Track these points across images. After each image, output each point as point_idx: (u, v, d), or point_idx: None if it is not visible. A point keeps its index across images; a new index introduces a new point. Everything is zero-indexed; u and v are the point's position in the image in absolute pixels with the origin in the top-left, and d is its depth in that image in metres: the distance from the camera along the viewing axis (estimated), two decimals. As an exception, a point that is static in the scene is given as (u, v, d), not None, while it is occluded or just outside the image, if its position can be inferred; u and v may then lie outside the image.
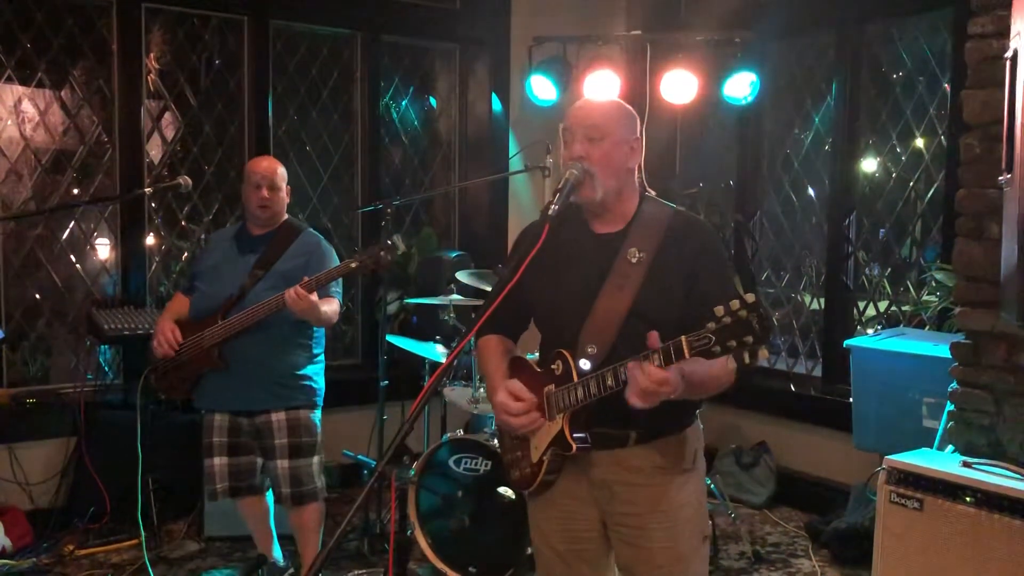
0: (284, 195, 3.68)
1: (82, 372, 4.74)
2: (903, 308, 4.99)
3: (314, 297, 3.35)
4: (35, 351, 4.84)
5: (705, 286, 2.21)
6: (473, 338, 2.55)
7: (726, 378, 2.18)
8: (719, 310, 1.90)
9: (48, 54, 4.69)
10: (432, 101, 5.93)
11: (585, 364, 2.22)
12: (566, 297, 2.32)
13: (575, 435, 2.24)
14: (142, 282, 4.86)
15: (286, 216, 3.74)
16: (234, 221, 5.19)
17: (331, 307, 3.55)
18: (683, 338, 1.96)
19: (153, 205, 4.97)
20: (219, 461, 3.62)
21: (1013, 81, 1.77)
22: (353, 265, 3.34)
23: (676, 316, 2.14)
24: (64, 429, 4.51)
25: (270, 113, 5.14)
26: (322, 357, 3.74)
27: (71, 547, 4.18)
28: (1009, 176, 1.77)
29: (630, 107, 2.37)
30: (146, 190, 3.59)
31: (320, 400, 3.71)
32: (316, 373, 3.69)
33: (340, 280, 3.61)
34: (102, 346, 4.76)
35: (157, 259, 5.05)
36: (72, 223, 4.82)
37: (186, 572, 4.10)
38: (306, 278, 3.35)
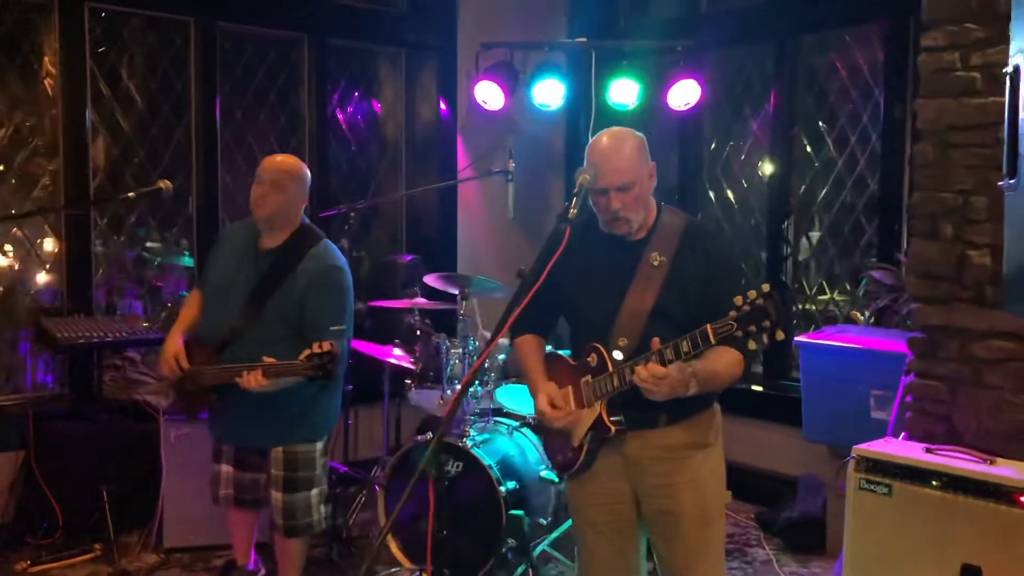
0: (292, 198, 3.36)
1: (26, 382, 4.57)
2: (840, 306, 5.23)
3: (269, 383, 3.11)
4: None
5: (719, 287, 2.47)
6: (509, 337, 2.85)
7: (736, 367, 2.47)
8: (738, 299, 2.17)
9: (-13, 55, 4.53)
10: (378, 105, 5.92)
11: (618, 355, 2.47)
12: (597, 296, 2.58)
13: (612, 418, 2.51)
14: (87, 290, 4.71)
15: (300, 224, 3.44)
16: (182, 225, 5.10)
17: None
18: (708, 326, 2.23)
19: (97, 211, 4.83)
20: (227, 468, 3.54)
21: (1015, 94, 1.94)
22: (302, 370, 3.06)
23: (695, 312, 2.39)
24: (11, 442, 4.35)
25: (217, 116, 5.07)
26: (340, 380, 3.54)
27: (25, 564, 4.03)
28: (1012, 181, 1.95)
29: (641, 135, 2.59)
30: (129, 195, 3.47)
31: (325, 427, 3.53)
32: (327, 401, 3.50)
33: (351, 312, 3.43)
34: (43, 356, 4.62)
35: (101, 266, 4.91)
36: (14, 229, 4.64)
37: (148, 585, 4.02)
38: (265, 359, 3.11)
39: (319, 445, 3.51)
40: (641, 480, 2.61)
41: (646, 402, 2.40)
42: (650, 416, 2.53)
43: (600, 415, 2.52)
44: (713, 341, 2.24)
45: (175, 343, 3.44)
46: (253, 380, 3.11)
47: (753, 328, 2.16)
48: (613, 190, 2.48)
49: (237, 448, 3.54)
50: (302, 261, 3.36)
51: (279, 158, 3.45)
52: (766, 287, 2.17)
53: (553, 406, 2.57)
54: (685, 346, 2.28)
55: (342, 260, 3.45)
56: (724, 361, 2.44)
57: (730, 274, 2.62)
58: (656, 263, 2.51)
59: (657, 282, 2.50)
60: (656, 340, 2.34)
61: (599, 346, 2.52)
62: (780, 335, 2.17)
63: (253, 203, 3.36)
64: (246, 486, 3.58)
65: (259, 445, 3.48)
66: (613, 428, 2.51)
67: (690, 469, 2.58)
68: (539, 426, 2.87)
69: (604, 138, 2.56)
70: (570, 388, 2.61)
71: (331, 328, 3.30)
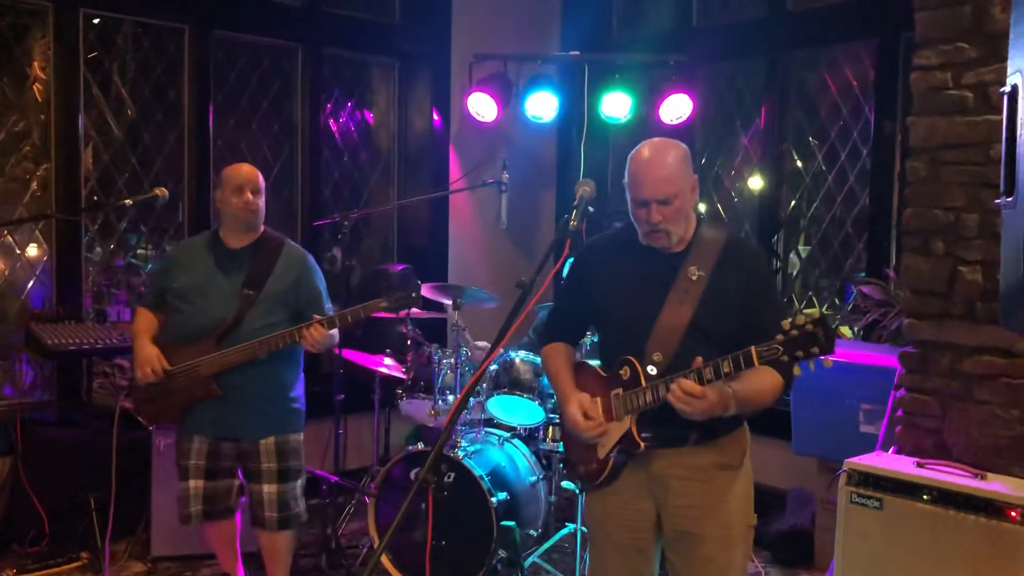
0: (263, 203, 3.55)
1: (14, 389, 4.54)
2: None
3: (328, 335, 3.33)
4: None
5: (760, 305, 2.43)
6: (537, 345, 2.76)
7: (777, 391, 2.41)
8: (786, 324, 2.13)
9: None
10: (371, 115, 5.93)
11: (652, 370, 2.42)
12: (633, 309, 2.51)
13: (642, 434, 2.46)
14: (77, 296, 4.69)
15: (264, 227, 3.59)
16: (173, 233, 5.09)
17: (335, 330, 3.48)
18: (752, 348, 2.18)
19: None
20: (194, 484, 3.50)
21: (1012, 112, 1.97)
22: (383, 305, 3.27)
23: (732, 329, 2.37)
24: (-2, 448, 4.33)
25: (211, 123, 5.06)
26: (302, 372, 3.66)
27: (11, 572, 4.00)
28: (1010, 199, 1.97)
29: (684, 146, 2.53)
30: (126, 202, 3.46)
31: (303, 420, 3.61)
32: (302, 392, 3.61)
33: (329, 296, 3.58)
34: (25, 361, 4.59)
35: (91, 272, 4.88)
36: (4, 235, 4.62)
37: (135, 594, 3.99)
38: (316, 316, 3.32)
39: (302, 435, 3.62)
40: (665, 499, 2.55)
41: (677, 420, 2.37)
42: (680, 434, 2.48)
43: (630, 430, 2.48)
44: (757, 364, 2.19)
45: (149, 349, 3.45)
46: (316, 333, 3.27)
47: (800, 353, 2.13)
48: (654, 202, 2.41)
49: (208, 455, 3.50)
50: (281, 253, 3.54)
51: (248, 167, 3.57)
52: (815, 313, 2.17)
53: (586, 416, 2.52)
54: (726, 367, 2.23)
55: None
56: (766, 382, 2.38)
57: (771, 292, 2.59)
58: (694, 277, 2.45)
59: (694, 297, 2.44)
60: (699, 359, 2.28)
61: (633, 359, 2.47)
62: (828, 362, 2.16)
63: (239, 209, 3.46)
64: (218, 495, 3.56)
65: (253, 436, 3.48)
66: (643, 444, 2.46)
67: (716, 491, 2.53)
68: (562, 433, 2.87)
69: (646, 149, 2.49)
70: (599, 399, 2.56)
71: (326, 305, 3.54)
